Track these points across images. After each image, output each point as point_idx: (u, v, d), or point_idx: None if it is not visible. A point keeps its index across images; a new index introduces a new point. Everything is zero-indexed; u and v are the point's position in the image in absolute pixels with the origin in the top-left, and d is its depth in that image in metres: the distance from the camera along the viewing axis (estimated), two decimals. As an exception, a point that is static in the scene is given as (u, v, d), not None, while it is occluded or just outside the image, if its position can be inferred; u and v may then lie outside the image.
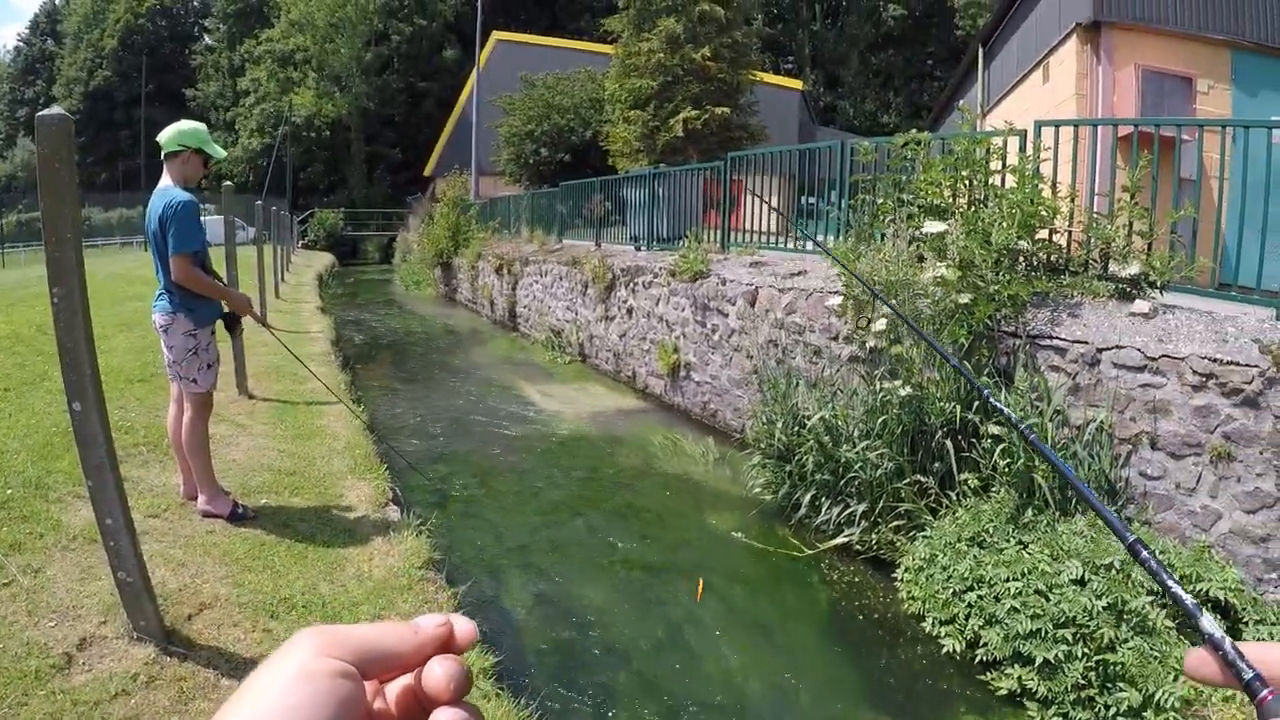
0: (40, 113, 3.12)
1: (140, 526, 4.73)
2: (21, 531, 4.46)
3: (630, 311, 12.29)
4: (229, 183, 9.28)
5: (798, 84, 41.48)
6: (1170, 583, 0.69)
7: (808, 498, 6.59)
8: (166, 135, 4.90)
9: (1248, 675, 0.58)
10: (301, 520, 5.29)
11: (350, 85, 51.19)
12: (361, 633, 0.51)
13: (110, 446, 3.41)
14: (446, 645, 0.54)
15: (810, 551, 6.27)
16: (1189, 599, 0.67)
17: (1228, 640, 0.60)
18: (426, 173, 43.41)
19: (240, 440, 6.73)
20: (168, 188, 4.80)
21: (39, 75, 71.31)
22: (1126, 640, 4.15)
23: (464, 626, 0.56)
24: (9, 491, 4.90)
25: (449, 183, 27.26)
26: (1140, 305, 5.41)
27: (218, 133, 55.48)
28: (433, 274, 27.74)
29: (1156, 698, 3.89)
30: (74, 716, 3.11)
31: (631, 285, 12.23)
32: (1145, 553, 0.73)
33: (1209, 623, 0.63)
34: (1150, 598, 4.27)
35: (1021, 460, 5.28)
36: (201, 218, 4.89)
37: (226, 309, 5.20)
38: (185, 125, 4.96)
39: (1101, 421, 5.26)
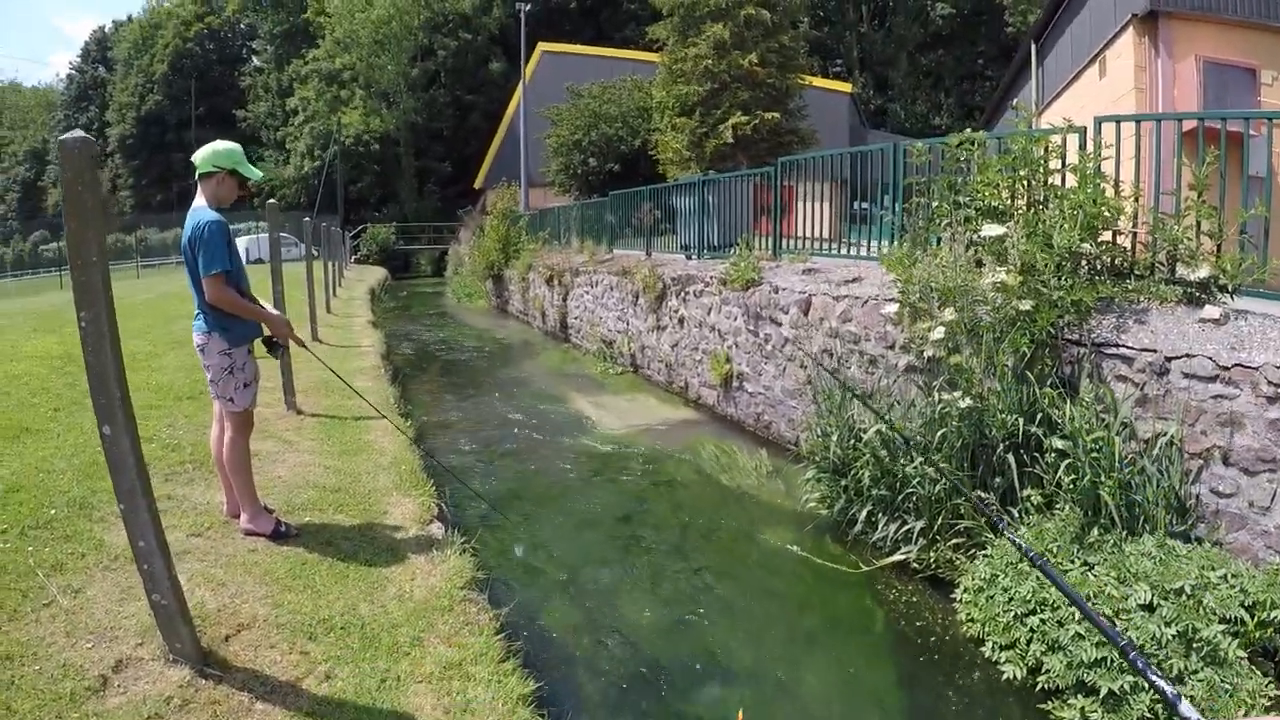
0: (62, 136, 3.07)
1: (182, 545, 4.74)
2: (64, 551, 4.44)
3: (681, 321, 12.16)
4: (273, 200, 9.29)
5: (847, 87, 41.19)
6: (1153, 676, 0.76)
7: (864, 513, 6.39)
8: (201, 156, 4.85)
9: None
10: (345, 538, 5.23)
11: (398, 101, 51.78)
12: None
13: (142, 469, 3.36)
14: None
15: (866, 569, 6.07)
16: (1170, 688, 0.74)
17: None
18: (476, 185, 43.75)
19: (286, 457, 6.71)
20: (199, 208, 4.76)
21: (91, 101, 73.32)
22: (1196, 671, 3.90)
23: None
24: (52, 511, 4.90)
25: (499, 194, 27.39)
26: (1210, 311, 5.13)
27: (269, 151, 56.45)
28: (484, 286, 27.86)
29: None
30: (107, 742, 3.05)
31: (682, 295, 12.11)
32: (1133, 654, 0.82)
33: (1187, 708, 0.67)
34: (1223, 626, 4.03)
35: (1088, 476, 5.05)
36: (233, 238, 4.84)
37: (266, 331, 5.14)
38: (220, 146, 4.91)
39: (1171, 435, 5.00)
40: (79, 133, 3.14)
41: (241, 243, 37.24)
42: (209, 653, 3.70)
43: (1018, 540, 1.03)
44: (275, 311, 5.17)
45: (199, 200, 4.83)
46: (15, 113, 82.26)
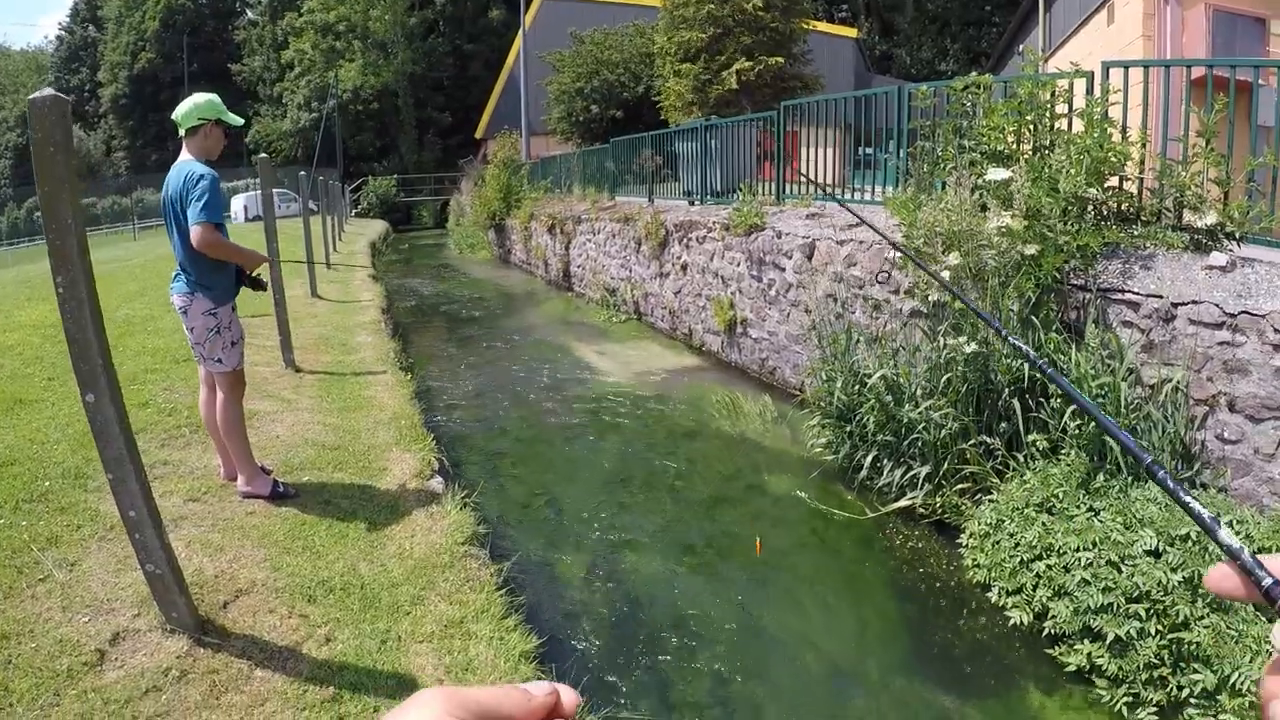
0: (31, 95, 2.96)
1: (179, 511, 4.70)
2: (59, 524, 4.40)
3: (685, 268, 12.05)
4: (264, 155, 9.13)
5: (852, 32, 40.48)
6: (1186, 498, 0.72)
7: (869, 459, 6.34)
8: (183, 111, 4.73)
9: (1267, 582, 0.59)
10: (344, 497, 5.19)
11: (395, 51, 51.03)
12: (482, 696, 0.52)
13: (129, 436, 3.29)
14: (555, 711, 0.56)
15: (872, 514, 6.04)
16: (1205, 512, 0.69)
17: (1246, 551, 0.61)
18: (478, 135, 43.26)
19: (284, 416, 6.65)
20: (188, 162, 4.65)
21: (82, 62, 72.03)
22: (1202, 617, 3.85)
23: (569, 696, 0.57)
24: (47, 484, 4.85)
25: (500, 144, 27.07)
26: (1217, 258, 5.02)
27: (265, 107, 55.77)
28: (486, 237, 27.70)
29: (1232, 680, 3.59)
30: (105, 715, 3.02)
31: (685, 241, 11.99)
32: (1161, 472, 0.74)
33: (1227, 535, 0.64)
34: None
35: (1093, 422, 4.98)
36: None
37: (251, 273, 5.05)
38: (200, 98, 4.79)
39: (1177, 381, 4.92)
40: (48, 91, 3.02)
41: (239, 200, 37.00)
42: (207, 621, 3.67)
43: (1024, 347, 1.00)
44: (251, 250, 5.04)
45: (185, 156, 4.72)
46: (4, 77, 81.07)
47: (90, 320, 3.10)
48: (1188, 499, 0.70)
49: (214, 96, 4.85)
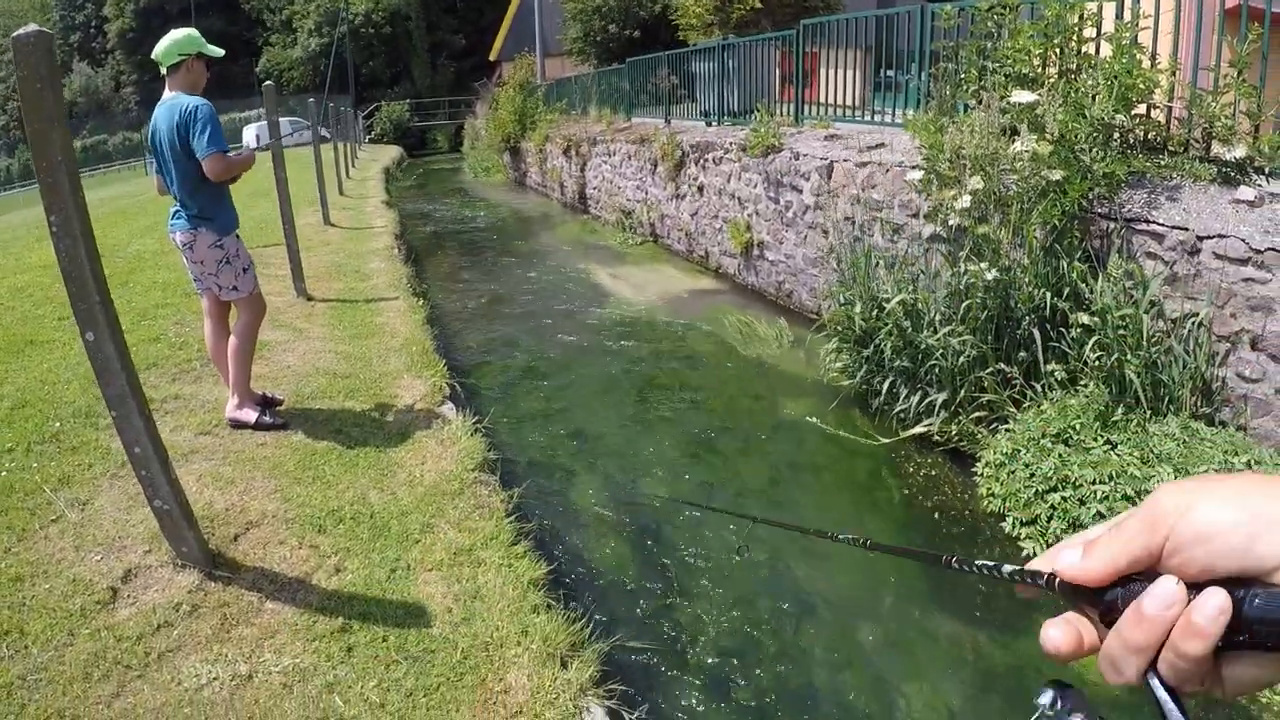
0: (15, 33, 2.87)
1: (190, 446, 4.71)
2: (70, 464, 4.43)
3: (701, 189, 11.87)
4: (269, 82, 8.97)
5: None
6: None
7: (886, 384, 6.25)
8: (163, 49, 4.68)
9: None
10: (355, 425, 5.18)
11: (407, -29, 50.04)
12: None
13: (131, 373, 3.27)
14: None
15: (887, 440, 5.98)
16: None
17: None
18: (492, 57, 42.55)
19: (296, 345, 6.63)
20: (178, 95, 4.63)
21: (87, -2, 70.78)
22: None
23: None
24: (58, 425, 4.88)
25: (515, 66, 26.62)
26: (1245, 192, 4.83)
27: (275, 35, 54.92)
28: (501, 160, 27.41)
29: None
30: (118, 653, 3.05)
31: (701, 162, 11.78)
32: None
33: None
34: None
35: (1114, 354, 4.85)
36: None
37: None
38: (179, 34, 4.74)
39: (1201, 317, 4.78)
40: (33, 27, 2.93)
41: (250, 130, 36.67)
42: (217, 554, 3.68)
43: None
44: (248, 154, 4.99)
45: (171, 91, 4.69)
46: (8, 19, 79.87)
47: (86, 258, 3.05)
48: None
49: (192, 30, 4.81)
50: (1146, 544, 0.56)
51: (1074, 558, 0.60)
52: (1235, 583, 0.52)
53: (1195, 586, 0.53)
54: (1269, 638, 0.50)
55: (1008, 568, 0.64)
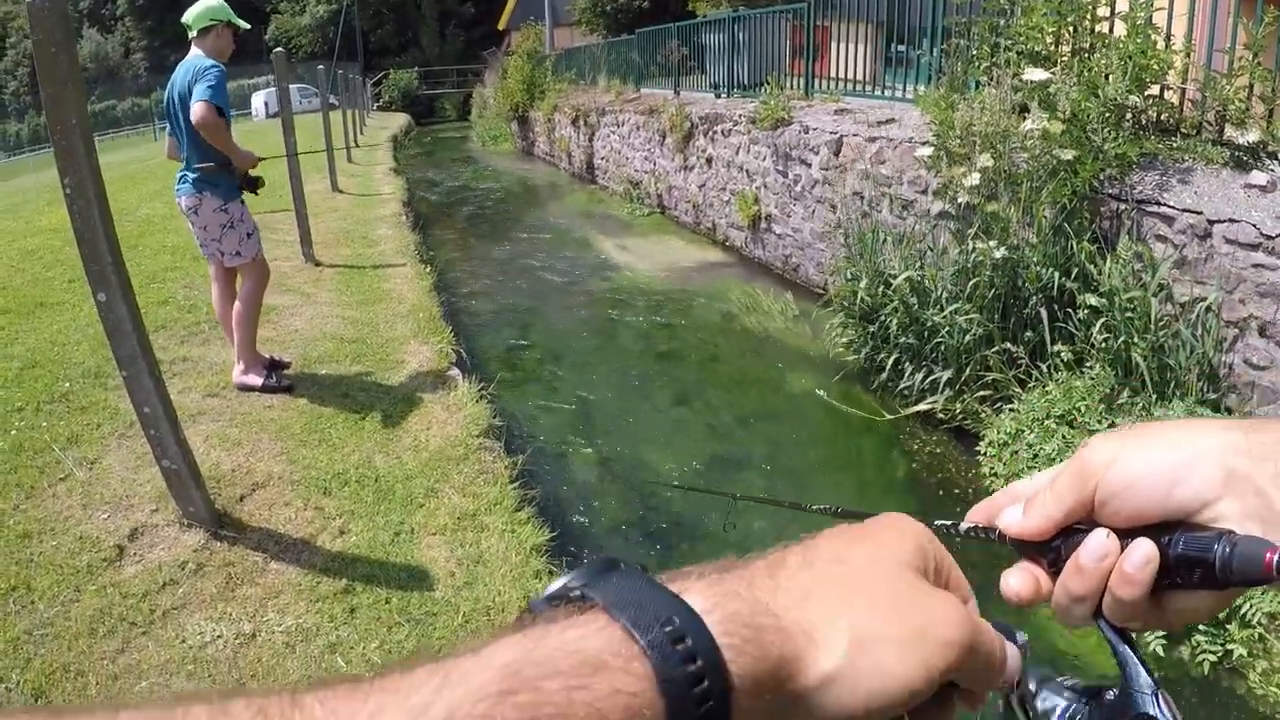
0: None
1: (198, 407, 4.73)
2: (80, 423, 4.47)
3: (709, 161, 11.81)
4: (279, 49, 8.94)
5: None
6: None
7: (891, 361, 6.23)
8: (195, 13, 4.77)
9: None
10: (361, 390, 5.21)
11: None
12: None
13: (142, 334, 3.30)
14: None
15: (890, 417, 5.98)
16: None
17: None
18: (500, 26, 42.35)
19: (303, 310, 6.65)
20: (198, 57, 4.70)
21: (99, -36, 70.26)
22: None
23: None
24: (67, 385, 4.93)
25: (524, 35, 26.46)
26: (1258, 176, 4.78)
27: (285, 3, 54.60)
28: (509, 129, 27.28)
29: (1242, 610, 3.54)
30: (123, 610, 3.09)
31: (710, 134, 11.72)
32: None
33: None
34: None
35: (1121, 336, 4.83)
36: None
37: (246, 173, 5.03)
38: (211, 1, 4.80)
39: (1210, 301, 4.74)
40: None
41: (259, 96, 36.64)
42: (223, 514, 3.71)
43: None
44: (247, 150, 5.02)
45: (196, 52, 4.76)
46: (19, -13, 79.46)
47: (99, 220, 3.08)
48: None
49: (221, 0, 4.88)
50: (1079, 496, 0.57)
51: (1017, 515, 0.61)
52: (1166, 528, 0.53)
53: (1132, 533, 0.54)
54: (1191, 579, 0.52)
55: (963, 525, 0.65)
